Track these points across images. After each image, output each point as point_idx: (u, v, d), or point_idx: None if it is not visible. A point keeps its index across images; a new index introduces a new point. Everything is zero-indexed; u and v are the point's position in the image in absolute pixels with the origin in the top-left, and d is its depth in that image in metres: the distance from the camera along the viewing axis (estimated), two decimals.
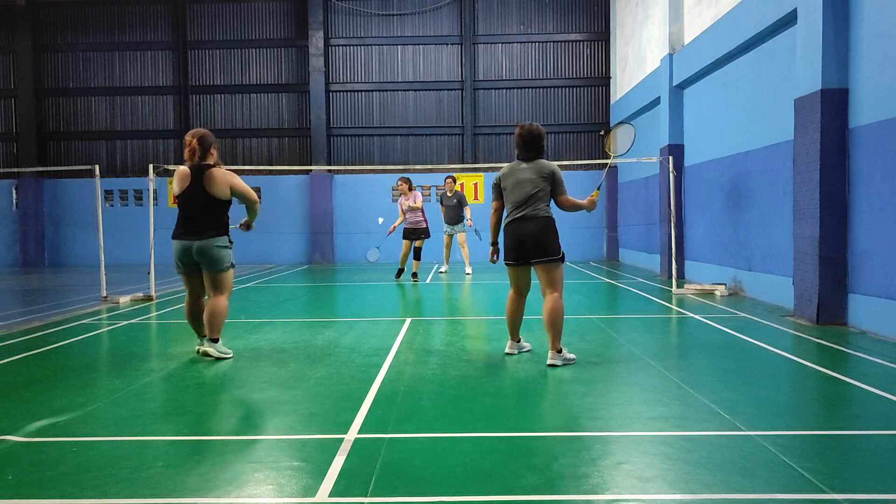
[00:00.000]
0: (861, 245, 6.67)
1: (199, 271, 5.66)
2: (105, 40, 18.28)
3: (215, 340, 5.62)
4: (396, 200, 14.41)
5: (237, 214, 5.67)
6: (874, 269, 6.44)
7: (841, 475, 2.99)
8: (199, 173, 5.53)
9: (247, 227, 6.12)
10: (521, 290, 5.46)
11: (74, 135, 18.39)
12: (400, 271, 12.42)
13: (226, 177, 5.58)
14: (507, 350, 5.64)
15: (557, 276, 5.20)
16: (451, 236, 13.09)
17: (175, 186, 5.60)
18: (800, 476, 2.98)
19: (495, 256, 5.62)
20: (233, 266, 5.72)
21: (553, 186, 5.30)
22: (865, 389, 4.46)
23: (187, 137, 5.59)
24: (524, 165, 5.35)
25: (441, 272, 13.51)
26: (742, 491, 2.83)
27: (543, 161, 5.38)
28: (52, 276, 14.46)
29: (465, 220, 12.94)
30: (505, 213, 5.40)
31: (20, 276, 14.96)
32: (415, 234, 12.16)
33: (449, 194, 12.80)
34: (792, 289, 7.67)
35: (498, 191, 5.43)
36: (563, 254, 5.27)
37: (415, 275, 12.11)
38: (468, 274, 13.03)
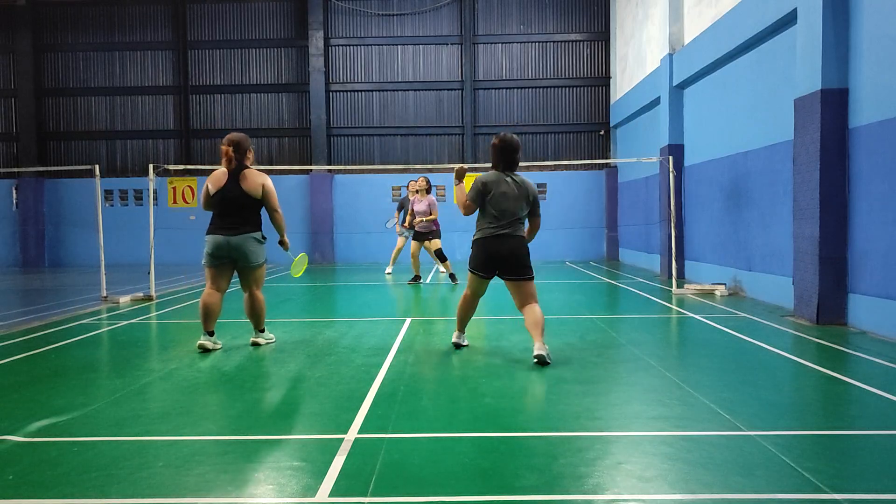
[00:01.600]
0: (861, 245, 6.67)
1: (229, 266, 5.83)
2: (105, 40, 18.29)
3: (262, 330, 6.15)
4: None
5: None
6: (874, 269, 6.45)
7: (841, 475, 2.99)
8: (236, 172, 5.77)
9: (283, 245, 6.24)
10: (479, 296, 5.74)
11: (74, 135, 18.40)
12: (416, 277, 11.86)
13: (259, 176, 5.80)
14: (455, 340, 5.95)
15: (533, 289, 5.46)
16: (405, 239, 13.02)
17: (210, 187, 5.79)
18: (800, 476, 2.98)
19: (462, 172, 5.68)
20: (266, 261, 5.95)
21: (532, 208, 5.51)
22: (865, 389, 4.46)
23: (223, 146, 5.77)
24: (508, 179, 5.41)
25: (388, 273, 13.54)
26: (742, 491, 2.83)
27: (528, 182, 5.49)
28: (52, 276, 14.46)
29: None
30: (484, 225, 5.43)
31: (20, 275, 14.96)
32: (428, 235, 11.67)
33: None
34: (792, 289, 7.68)
35: (481, 195, 5.40)
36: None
37: (453, 276, 11.58)
38: (388, 274, 13.39)
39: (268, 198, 5.83)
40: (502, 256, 5.33)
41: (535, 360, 5.19)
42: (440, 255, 11.72)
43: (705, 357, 5.60)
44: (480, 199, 5.41)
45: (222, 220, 5.77)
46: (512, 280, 5.39)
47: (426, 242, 11.75)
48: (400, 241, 13.05)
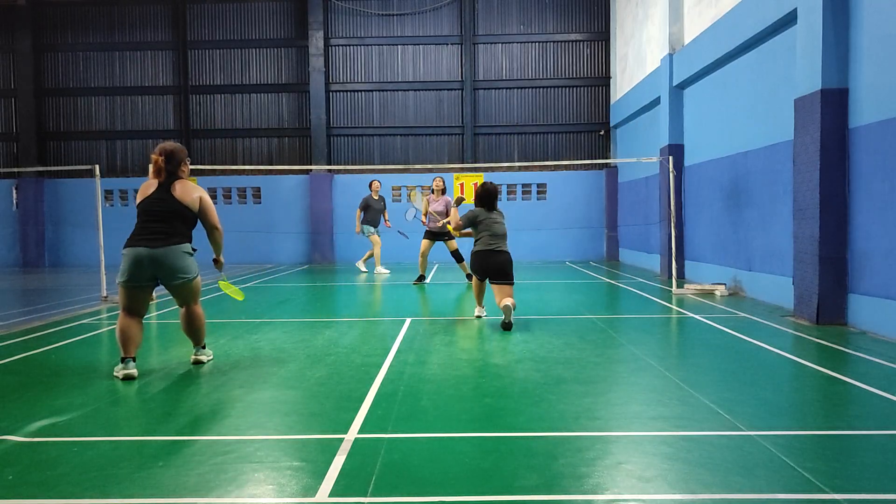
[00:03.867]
0: (861, 245, 6.67)
1: (148, 287, 5.08)
2: (105, 40, 18.29)
3: (203, 346, 5.54)
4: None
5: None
6: (874, 269, 6.45)
7: (841, 475, 2.99)
8: (167, 183, 5.15)
9: (217, 264, 5.54)
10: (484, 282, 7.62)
11: (74, 135, 18.40)
12: (421, 277, 11.84)
13: (196, 189, 5.20)
14: (477, 314, 7.69)
15: (511, 291, 7.15)
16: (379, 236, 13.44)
17: (138, 197, 5.19)
18: (800, 476, 2.98)
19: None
20: (198, 274, 5.27)
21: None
22: (865, 389, 4.46)
23: (153, 155, 5.16)
24: (493, 214, 7.36)
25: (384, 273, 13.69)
26: (742, 491, 2.83)
27: (501, 212, 7.50)
28: (52, 276, 14.46)
29: (382, 222, 13.72)
30: (481, 242, 7.28)
31: (20, 276, 14.96)
32: (440, 235, 11.52)
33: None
34: (792, 289, 7.68)
35: (473, 223, 7.35)
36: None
37: (470, 276, 11.25)
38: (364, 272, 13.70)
39: (206, 213, 5.19)
40: (493, 268, 7.18)
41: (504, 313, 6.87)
42: (457, 256, 11.65)
43: (705, 357, 5.60)
44: (472, 225, 7.37)
45: (144, 230, 5.02)
46: (497, 283, 7.15)
47: (446, 242, 11.61)
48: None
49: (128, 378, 4.95)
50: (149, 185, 5.19)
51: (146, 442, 3.56)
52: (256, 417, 4.08)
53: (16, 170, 16.03)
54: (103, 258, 10.01)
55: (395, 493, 2.85)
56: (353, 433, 3.62)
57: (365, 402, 4.24)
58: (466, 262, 11.44)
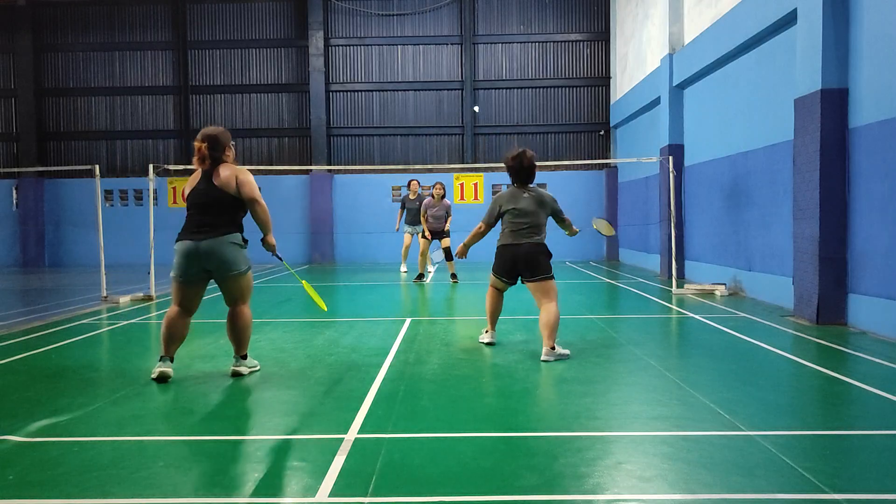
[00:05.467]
0: (861, 245, 6.67)
1: (202, 281, 4.90)
2: (105, 40, 18.29)
3: (245, 357, 5.06)
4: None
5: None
6: (874, 269, 6.45)
7: (841, 475, 3.00)
8: (210, 171, 4.90)
9: (267, 245, 5.12)
10: (500, 291, 6.02)
11: (74, 135, 18.40)
12: (420, 276, 12.00)
13: (233, 168, 4.90)
14: (485, 340, 6.11)
15: (551, 288, 5.67)
16: (412, 236, 13.14)
17: (185, 189, 5.01)
18: (800, 476, 2.98)
19: (465, 255, 6.24)
20: (250, 269, 5.00)
21: (555, 215, 5.89)
22: (865, 389, 4.46)
23: (196, 142, 4.89)
24: (525, 195, 5.77)
25: (404, 272, 13.60)
26: (742, 491, 2.83)
27: (542, 192, 5.85)
28: (52, 276, 14.46)
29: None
30: (504, 234, 5.81)
31: (20, 276, 14.96)
32: (439, 234, 11.90)
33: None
34: (792, 289, 7.68)
35: (495, 215, 5.84)
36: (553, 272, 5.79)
37: (454, 276, 11.79)
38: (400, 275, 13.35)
39: (243, 188, 4.81)
40: (518, 260, 5.66)
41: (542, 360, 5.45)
42: (448, 254, 11.87)
43: (705, 357, 5.60)
44: (495, 219, 5.87)
45: (191, 223, 4.85)
46: (528, 281, 5.70)
47: (441, 240, 11.92)
48: (407, 238, 13.10)
49: (162, 378, 4.78)
50: (195, 177, 4.97)
51: (146, 442, 3.56)
52: (256, 417, 4.08)
53: (16, 170, 16.03)
54: (103, 258, 10.00)
55: (395, 493, 2.85)
56: (353, 433, 3.62)
57: (365, 402, 4.24)
58: (455, 262, 11.79)
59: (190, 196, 4.92)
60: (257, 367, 5.19)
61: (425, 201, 12.10)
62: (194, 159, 4.93)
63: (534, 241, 5.65)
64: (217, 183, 4.83)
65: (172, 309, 4.91)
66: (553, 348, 5.43)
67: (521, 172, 5.79)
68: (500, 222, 5.88)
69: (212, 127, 5.01)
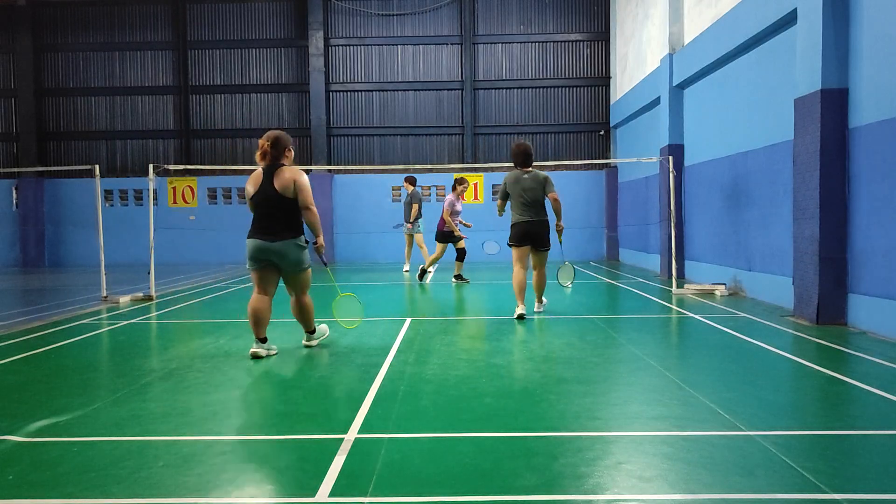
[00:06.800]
0: (861, 245, 6.67)
1: (275, 269, 5.64)
2: (105, 40, 18.29)
3: (312, 332, 6.08)
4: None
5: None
6: (874, 269, 6.45)
7: (841, 475, 2.99)
8: (271, 170, 5.52)
9: (318, 249, 5.85)
10: (524, 265, 7.61)
11: (74, 135, 18.40)
12: (423, 272, 12.00)
13: (292, 172, 5.51)
14: (519, 312, 7.44)
15: (546, 258, 7.73)
16: (410, 236, 13.17)
17: (249, 188, 5.60)
18: (800, 476, 2.98)
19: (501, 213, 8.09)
20: (310, 265, 5.79)
21: (545, 188, 7.52)
22: (865, 389, 4.46)
23: (261, 140, 5.56)
24: (525, 176, 7.51)
25: (406, 271, 13.67)
26: (742, 491, 2.83)
27: (539, 172, 7.57)
28: (52, 276, 14.46)
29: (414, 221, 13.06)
30: (514, 213, 7.56)
31: (20, 275, 14.96)
32: (450, 237, 11.62)
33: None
34: (792, 289, 7.68)
35: (504, 191, 7.67)
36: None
37: (458, 276, 11.69)
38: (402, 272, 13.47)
39: (300, 193, 5.49)
40: (529, 234, 7.50)
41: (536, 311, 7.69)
42: (461, 254, 11.73)
43: (705, 357, 5.60)
44: (505, 195, 7.64)
45: (261, 224, 5.53)
46: (535, 251, 7.61)
47: (455, 244, 11.66)
48: (418, 237, 13.07)
49: (256, 357, 5.56)
50: (257, 176, 5.58)
51: (146, 442, 3.56)
52: (256, 417, 4.08)
53: (16, 170, 16.03)
54: (103, 258, 10.00)
55: (395, 493, 2.85)
56: (353, 433, 3.62)
57: (365, 402, 4.24)
58: (461, 263, 11.83)
59: (255, 197, 5.56)
60: (325, 334, 6.26)
61: (449, 199, 11.55)
62: (257, 154, 5.60)
63: (540, 219, 7.48)
64: (277, 186, 5.46)
65: (254, 296, 5.68)
66: (541, 302, 7.88)
67: (519, 156, 7.57)
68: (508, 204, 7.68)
69: (274, 130, 5.75)
